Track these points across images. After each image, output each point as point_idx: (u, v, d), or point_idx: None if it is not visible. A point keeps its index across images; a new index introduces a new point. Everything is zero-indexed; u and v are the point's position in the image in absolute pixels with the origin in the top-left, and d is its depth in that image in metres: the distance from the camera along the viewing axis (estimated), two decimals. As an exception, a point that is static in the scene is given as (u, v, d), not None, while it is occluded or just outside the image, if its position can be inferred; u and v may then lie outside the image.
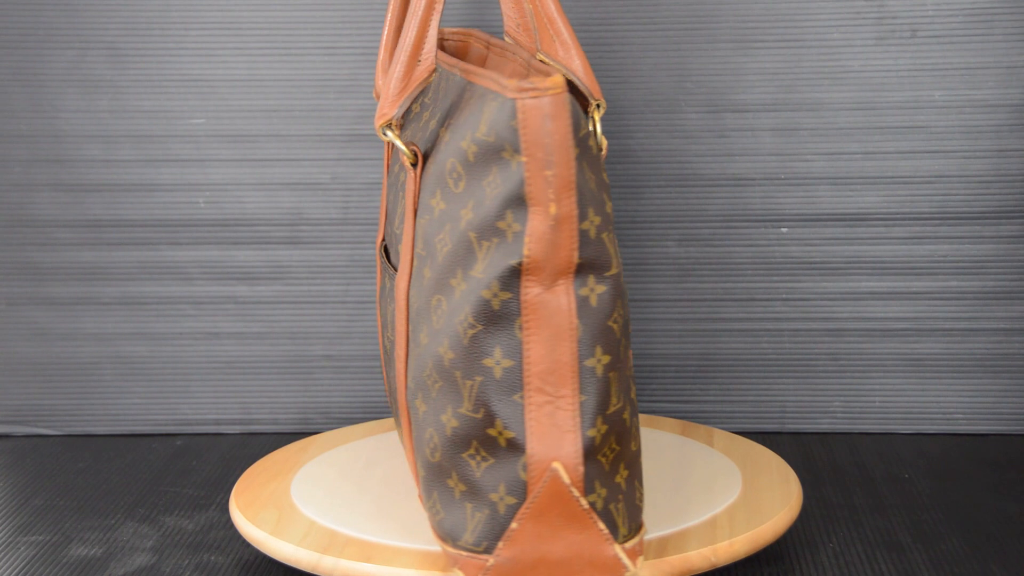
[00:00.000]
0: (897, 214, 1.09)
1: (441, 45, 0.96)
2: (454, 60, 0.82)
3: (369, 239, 1.12)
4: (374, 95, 0.94)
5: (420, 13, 0.77)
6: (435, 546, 0.83)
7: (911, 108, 1.08)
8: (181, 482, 1.05)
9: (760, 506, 0.89)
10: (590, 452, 0.73)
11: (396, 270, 0.85)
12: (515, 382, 0.73)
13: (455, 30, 0.98)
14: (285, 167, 1.12)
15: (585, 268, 0.72)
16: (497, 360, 0.73)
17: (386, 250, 0.92)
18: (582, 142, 0.71)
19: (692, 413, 1.13)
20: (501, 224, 0.72)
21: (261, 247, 1.13)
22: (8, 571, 0.90)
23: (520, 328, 0.72)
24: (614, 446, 0.74)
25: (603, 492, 0.73)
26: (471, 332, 0.73)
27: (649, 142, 1.10)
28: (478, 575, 0.74)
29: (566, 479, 0.72)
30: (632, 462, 0.76)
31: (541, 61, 0.83)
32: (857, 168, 1.09)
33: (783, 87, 1.08)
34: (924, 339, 1.11)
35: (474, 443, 0.74)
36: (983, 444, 1.10)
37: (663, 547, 0.82)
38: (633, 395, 0.76)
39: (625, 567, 0.74)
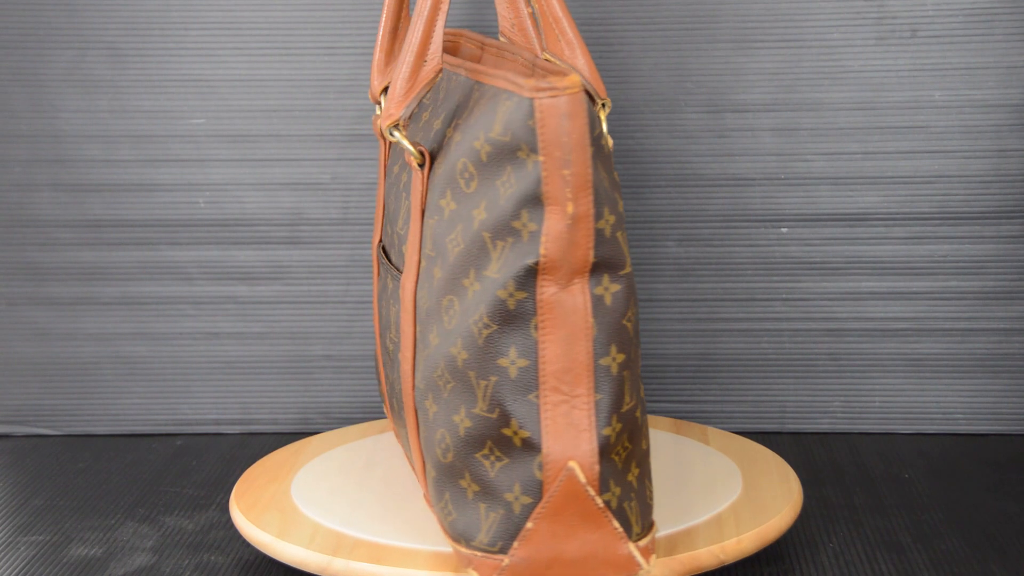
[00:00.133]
0: (897, 214, 1.09)
1: None
2: (458, 60, 0.82)
3: (369, 239, 1.12)
4: (369, 96, 0.95)
5: (426, 13, 0.77)
6: (444, 546, 0.82)
7: (911, 108, 1.08)
8: (181, 482, 1.05)
9: (763, 503, 0.89)
10: (605, 451, 0.73)
11: (399, 271, 0.85)
12: (530, 382, 0.73)
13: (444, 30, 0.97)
14: (285, 167, 1.12)
15: (600, 267, 0.73)
16: (512, 360, 0.73)
17: (384, 251, 0.92)
18: (595, 141, 0.71)
19: (692, 413, 1.13)
20: (516, 224, 0.72)
21: (261, 247, 1.13)
22: (8, 571, 0.90)
23: (535, 328, 0.72)
24: (627, 444, 0.74)
25: (617, 491, 0.74)
26: (486, 332, 0.73)
27: (649, 142, 1.10)
28: (493, 575, 0.74)
29: (582, 478, 0.73)
30: (642, 460, 0.76)
31: (547, 60, 0.83)
32: (857, 168, 1.09)
33: (783, 87, 1.08)
34: (924, 339, 1.11)
35: (488, 443, 0.74)
36: (983, 444, 1.10)
37: (672, 545, 0.83)
38: (642, 393, 0.76)
39: (639, 565, 0.74)
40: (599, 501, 0.73)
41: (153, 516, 0.98)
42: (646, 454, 0.76)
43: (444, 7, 0.77)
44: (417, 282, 0.79)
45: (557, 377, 0.73)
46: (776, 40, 1.08)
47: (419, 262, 0.79)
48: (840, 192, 1.09)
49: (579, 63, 0.84)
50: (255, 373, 1.14)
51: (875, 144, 1.09)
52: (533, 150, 0.71)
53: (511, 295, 0.72)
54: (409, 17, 0.95)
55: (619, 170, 1.10)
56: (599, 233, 0.72)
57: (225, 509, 0.99)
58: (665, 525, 0.85)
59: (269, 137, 1.11)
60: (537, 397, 0.73)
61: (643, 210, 1.11)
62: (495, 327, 0.73)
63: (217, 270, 1.13)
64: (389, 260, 0.89)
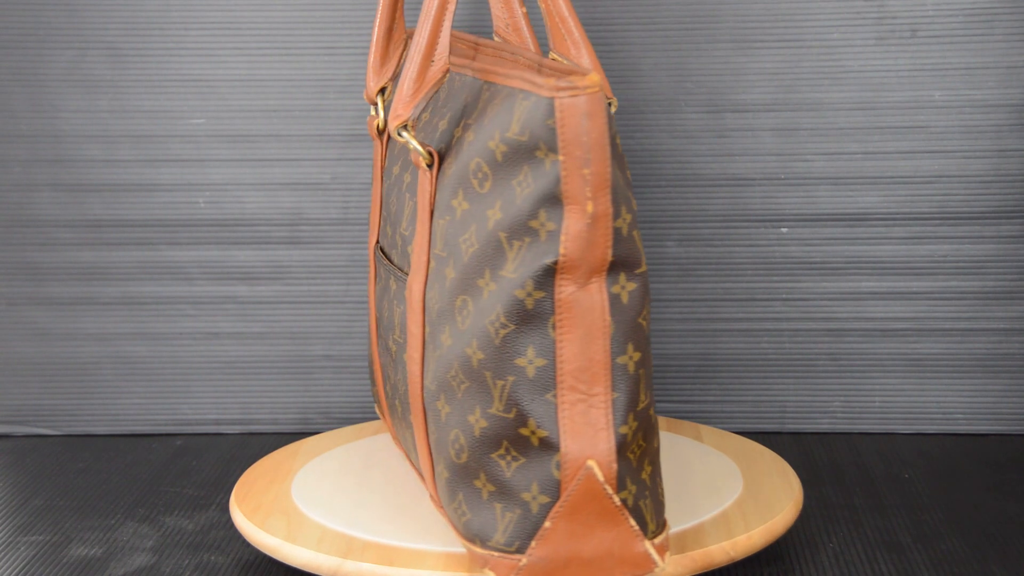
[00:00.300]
0: (897, 214, 1.09)
1: None
2: (463, 60, 0.82)
3: (369, 239, 1.12)
4: (365, 97, 0.95)
5: (433, 13, 0.77)
6: (454, 547, 0.82)
7: (911, 108, 1.08)
8: (181, 482, 1.05)
9: (766, 499, 0.89)
10: (622, 449, 0.73)
11: (404, 272, 0.85)
12: (548, 381, 0.73)
13: None
14: (285, 167, 1.12)
15: (617, 266, 0.73)
16: (530, 359, 0.73)
17: (383, 252, 0.92)
18: (612, 140, 0.72)
19: (692, 413, 1.13)
20: (534, 223, 0.72)
21: (261, 247, 1.13)
22: (8, 571, 0.90)
23: (553, 327, 0.73)
24: (641, 442, 0.75)
25: (633, 489, 0.74)
26: (503, 332, 0.73)
27: (649, 142, 1.10)
28: (510, 575, 0.74)
29: (600, 477, 0.73)
30: (654, 458, 0.76)
31: (553, 60, 0.83)
32: (857, 168, 1.09)
33: (783, 87, 1.08)
34: (924, 339, 1.11)
35: (504, 443, 0.74)
36: (983, 444, 1.10)
37: (683, 542, 0.83)
38: (652, 391, 0.76)
39: (655, 563, 0.75)
40: (616, 499, 0.73)
41: (153, 516, 0.98)
42: (657, 452, 0.77)
43: (451, 7, 0.77)
44: (426, 283, 0.79)
45: (575, 376, 0.73)
46: (776, 40, 1.08)
47: (428, 262, 0.79)
48: (840, 192, 1.09)
49: (584, 62, 0.84)
50: (255, 373, 1.14)
51: (875, 144, 1.09)
52: (552, 149, 0.71)
53: (529, 294, 0.72)
54: (403, 19, 0.95)
55: (619, 170, 1.10)
56: (617, 232, 0.72)
57: (225, 509, 0.99)
58: (673, 523, 0.86)
59: (269, 137, 1.11)
60: (555, 396, 0.73)
61: (643, 210, 1.11)
62: (512, 327, 0.73)
63: (217, 270, 1.13)
64: (391, 261, 0.89)
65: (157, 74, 1.11)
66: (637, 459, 0.74)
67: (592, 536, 0.74)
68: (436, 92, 0.84)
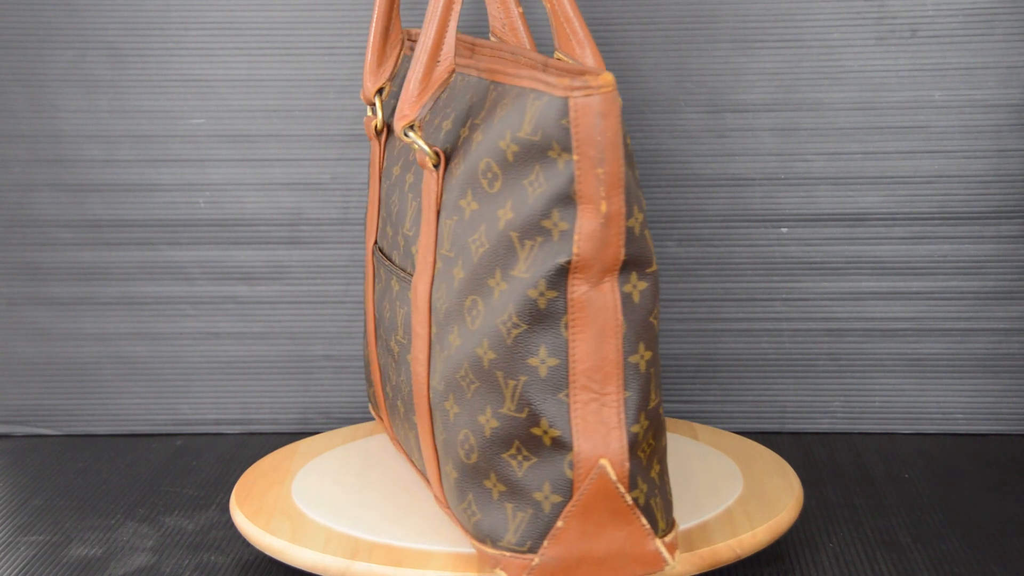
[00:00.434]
0: (897, 214, 1.09)
1: (412, 49, 0.96)
2: (464, 61, 0.82)
3: (369, 239, 1.12)
4: (361, 97, 0.95)
5: (439, 14, 0.77)
6: (463, 547, 0.82)
7: (911, 108, 1.08)
8: (181, 482, 1.05)
9: (768, 497, 0.90)
10: (633, 448, 0.74)
11: (406, 272, 0.85)
12: (561, 380, 0.73)
13: (419, 31, 0.97)
14: (285, 167, 1.12)
15: (629, 265, 0.73)
16: (542, 359, 0.73)
17: (382, 252, 0.91)
18: (624, 139, 0.72)
19: (692, 413, 1.13)
20: (546, 223, 0.72)
21: (261, 247, 1.13)
22: (8, 571, 0.90)
23: (566, 326, 0.73)
24: (651, 441, 0.75)
25: (644, 487, 0.74)
26: (515, 332, 0.73)
27: (649, 142, 1.10)
28: (522, 575, 0.74)
29: (613, 476, 0.73)
30: (662, 457, 0.77)
31: (558, 59, 0.83)
32: (857, 168, 1.09)
33: (783, 87, 1.08)
34: (924, 339, 1.11)
35: (516, 443, 0.74)
36: (983, 444, 1.10)
37: (690, 540, 0.83)
38: (661, 390, 0.77)
39: (665, 561, 0.75)
40: (628, 498, 0.74)
41: (153, 516, 0.98)
42: (665, 451, 0.77)
43: (456, 7, 0.77)
44: (432, 283, 0.79)
45: (587, 375, 0.73)
46: (776, 40, 1.08)
47: (434, 263, 0.79)
48: (840, 192, 1.09)
49: (588, 62, 0.84)
50: (255, 373, 1.14)
51: (875, 144, 1.09)
52: (566, 149, 0.71)
53: (542, 294, 0.72)
54: (400, 19, 0.95)
55: (619, 170, 1.10)
56: (629, 231, 0.72)
57: (225, 509, 0.99)
58: (680, 521, 0.86)
59: (269, 137, 1.11)
60: (567, 396, 0.73)
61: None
62: (525, 326, 0.73)
63: (217, 270, 1.13)
64: (392, 262, 0.88)
65: (157, 74, 1.11)
66: (647, 458, 0.75)
67: (604, 535, 0.74)
68: (442, 92, 0.84)
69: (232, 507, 0.91)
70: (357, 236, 1.12)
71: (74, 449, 1.12)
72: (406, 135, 0.79)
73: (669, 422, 1.05)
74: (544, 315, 0.73)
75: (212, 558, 0.91)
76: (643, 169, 1.10)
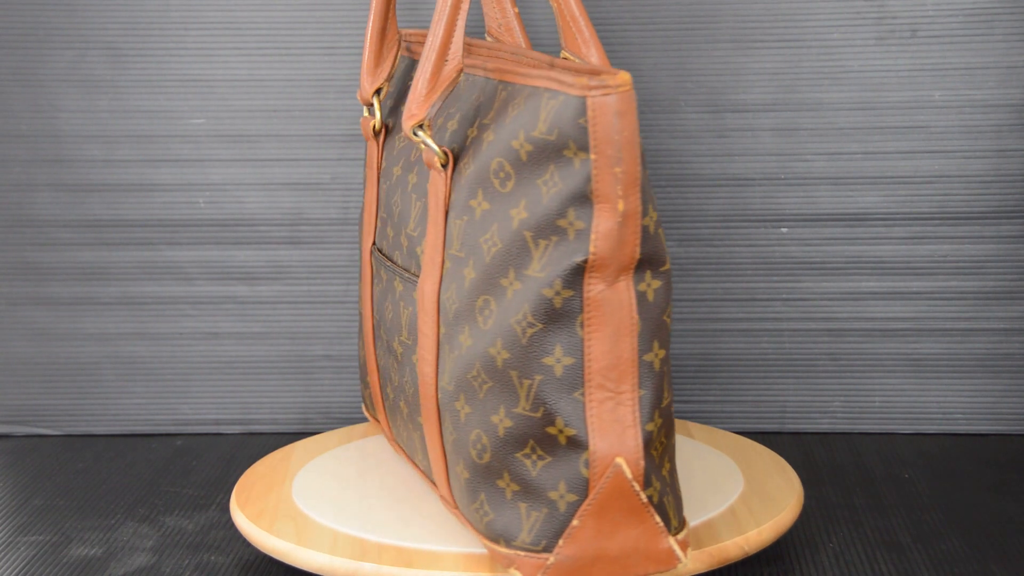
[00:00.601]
0: (897, 214, 1.09)
1: (408, 49, 0.96)
2: (472, 60, 0.82)
3: (369, 239, 1.12)
4: (359, 97, 0.94)
5: (447, 13, 0.77)
6: (472, 547, 0.82)
7: (911, 108, 1.08)
8: (181, 482, 1.05)
9: (770, 495, 0.90)
10: (647, 446, 0.74)
11: (410, 272, 0.85)
12: (576, 379, 0.73)
13: (414, 32, 0.97)
14: (285, 167, 1.12)
15: (644, 263, 0.73)
16: (558, 358, 0.73)
17: (381, 253, 0.91)
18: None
19: (692, 413, 1.13)
20: (562, 222, 0.72)
21: (261, 247, 1.13)
22: (8, 571, 0.90)
23: (581, 325, 0.73)
24: (663, 439, 0.75)
25: (657, 485, 0.75)
26: (530, 331, 0.73)
27: (649, 142, 1.10)
28: (537, 574, 0.75)
29: (628, 474, 0.73)
30: (672, 455, 0.77)
31: (565, 59, 0.83)
32: (857, 168, 1.09)
33: (783, 87, 1.08)
34: (924, 339, 1.11)
35: (531, 442, 0.74)
36: (983, 444, 1.10)
37: (697, 538, 0.83)
38: (673, 388, 0.77)
39: (678, 558, 0.75)
40: (643, 496, 0.74)
41: (153, 516, 0.98)
42: (674, 449, 0.77)
43: (464, 6, 0.77)
44: (441, 283, 0.79)
45: (603, 374, 0.73)
46: (776, 40, 1.08)
47: (443, 263, 0.79)
48: (840, 192, 1.09)
49: (593, 61, 0.84)
50: (255, 373, 1.14)
51: (875, 144, 1.09)
52: (583, 148, 0.71)
53: (557, 293, 0.73)
54: (396, 20, 0.95)
55: (619, 170, 1.10)
56: (644, 230, 0.73)
57: (225, 509, 0.99)
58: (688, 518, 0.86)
59: (269, 137, 1.11)
60: (583, 395, 0.73)
61: (643, 210, 1.11)
62: (540, 326, 0.73)
63: (217, 270, 1.13)
64: (394, 262, 0.88)
65: (157, 74, 1.11)
66: (659, 456, 0.75)
67: (619, 533, 0.74)
68: (450, 91, 0.84)
69: (233, 509, 0.90)
70: (357, 236, 1.12)
71: (74, 449, 1.12)
72: (415, 134, 0.79)
73: None
74: (560, 314, 0.73)
75: (212, 558, 0.91)
76: (643, 169, 1.10)
